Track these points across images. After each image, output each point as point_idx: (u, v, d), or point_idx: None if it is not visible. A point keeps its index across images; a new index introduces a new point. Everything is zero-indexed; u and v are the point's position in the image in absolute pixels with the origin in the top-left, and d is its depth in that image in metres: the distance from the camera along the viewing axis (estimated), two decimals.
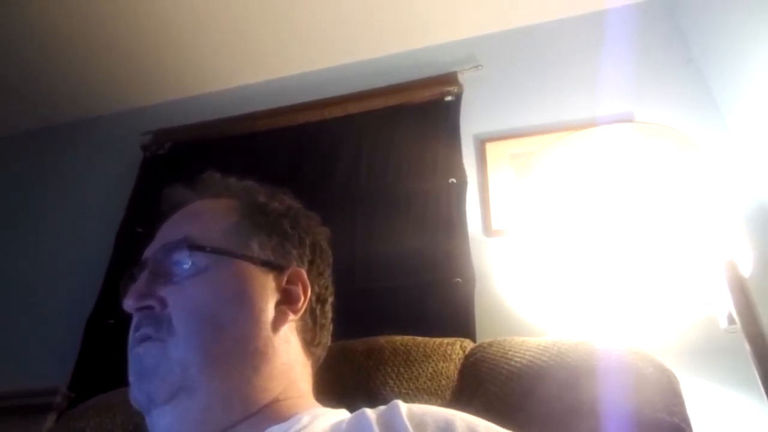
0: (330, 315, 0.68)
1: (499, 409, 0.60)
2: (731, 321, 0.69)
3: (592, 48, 1.35)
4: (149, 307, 0.56)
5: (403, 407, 0.49)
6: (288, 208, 0.68)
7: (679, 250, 0.73)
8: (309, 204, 0.72)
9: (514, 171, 1.21)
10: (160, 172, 1.52)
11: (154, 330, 0.54)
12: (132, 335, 0.57)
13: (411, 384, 0.67)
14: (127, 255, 1.35)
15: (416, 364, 0.69)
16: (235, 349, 0.55)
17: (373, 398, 0.65)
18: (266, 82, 1.68)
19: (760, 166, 1.04)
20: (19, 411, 1.17)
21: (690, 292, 0.76)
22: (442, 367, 0.69)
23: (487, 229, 1.17)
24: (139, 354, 0.55)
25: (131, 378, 0.55)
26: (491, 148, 1.28)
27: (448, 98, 1.36)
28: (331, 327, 0.69)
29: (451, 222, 1.15)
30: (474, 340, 0.86)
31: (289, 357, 0.59)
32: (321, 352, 0.66)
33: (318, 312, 0.65)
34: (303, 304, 0.62)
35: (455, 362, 0.70)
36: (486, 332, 0.97)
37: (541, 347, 0.65)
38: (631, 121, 1.16)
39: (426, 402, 0.64)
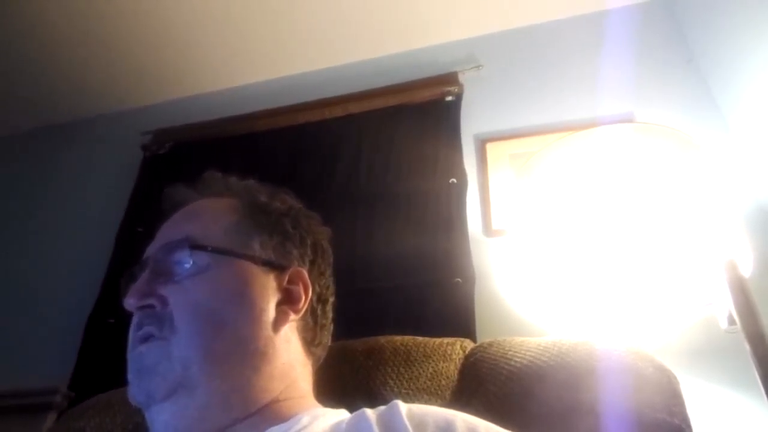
0: (331, 315, 0.68)
1: (499, 409, 0.60)
2: (731, 321, 0.69)
3: (592, 48, 1.35)
4: (150, 306, 0.56)
5: (403, 407, 0.49)
6: (289, 208, 0.68)
7: (679, 250, 0.73)
8: (309, 204, 0.72)
9: (514, 171, 1.21)
10: (160, 171, 1.52)
11: (156, 328, 0.54)
12: (133, 334, 0.56)
13: (411, 384, 0.67)
14: (127, 255, 1.35)
15: (416, 364, 0.69)
16: (236, 349, 0.55)
17: (373, 398, 0.65)
18: (266, 82, 1.68)
19: (760, 166, 1.04)
20: (19, 411, 1.17)
21: (690, 292, 0.76)
22: (442, 367, 0.69)
23: (487, 229, 1.17)
24: (141, 353, 0.55)
25: (130, 376, 0.55)
26: (491, 148, 1.28)
27: (449, 98, 1.36)
28: (332, 327, 0.69)
29: (451, 222, 1.15)
30: (474, 340, 0.86)
31: (289, 357, 0.59)
32: (321, 352, 0.66)
33: (319, 312, 0.65)
34: (304, 304, 0.62)
35: (455, 362, 0.70)
36: (486, 332, 0.97)
37: (541, 347, 0.65)
38: (631, 121, 1.16)
39: (426, 402, 0.64)
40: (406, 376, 0.68)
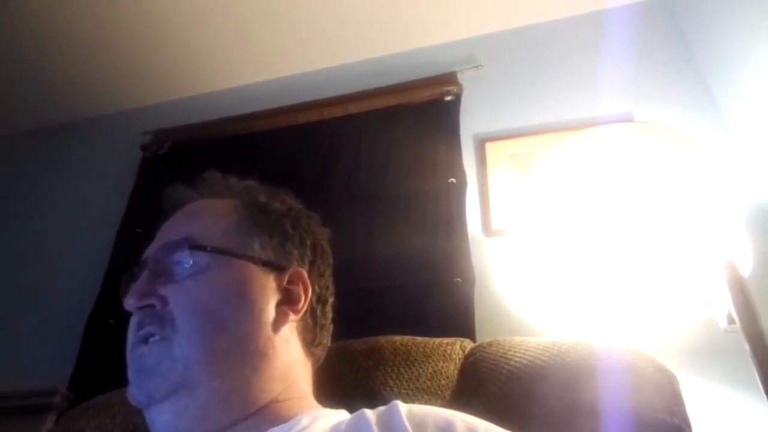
0: (330, 315, 0.68)
1: (499, 409, 0.60)
2: (731, 321, 0.69)
3: (591, 48, 1.35)
4: (151, 306, 0.56)
5: (403, 408, 0.49)
6: (289, 209, 0.68)
7: (678, 250, 0.73)
8: (308, 204, 0.72)
9: (513, 171, 1.21)
10: (159, 172, 1.52)
11: (158, 328, 0.54)
12: (134, 334, 0.56)
13: (411, 384, 0.67)
14: (127, 255, 1.35)
15: (416, 364, 0.69)
16: (236, 349, 0.55)
17: (373, 398, 0.65)
18: (266, 82, 1.68)
19: (759, 166, 1.04)
20: (19, 411, 1.17)
21: (690, 292, 0.76)
22: (442, 367, 0.69)
23: (486, 229, 1.17)
24: (142, 353, 0.55)
25: (130, 376, 0.55)
26: (491, 148, 1.28)
27: (448, 98, 1.36)
28: (331, 327, 0.69)
29: (450, 222, 1.15)
30: (474, 340, 0.86)
31: (289, 357, 0.59)
32: (321, 353, 0.66)
33: (318, 312, 0.65)
34: (304, 304, 0.62)
35: (455, 362, 0.70)
36: (486, 332, 0.97)
37: (541, 347, 0.65)
38: (630, 120, 1.16)
39: (426, 402, 0.64)
40: (406, 376, 0.68)
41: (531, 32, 1.47)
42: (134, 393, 0.54)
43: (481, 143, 1.30)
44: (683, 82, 1.23)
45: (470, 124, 1.33)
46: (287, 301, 0.61)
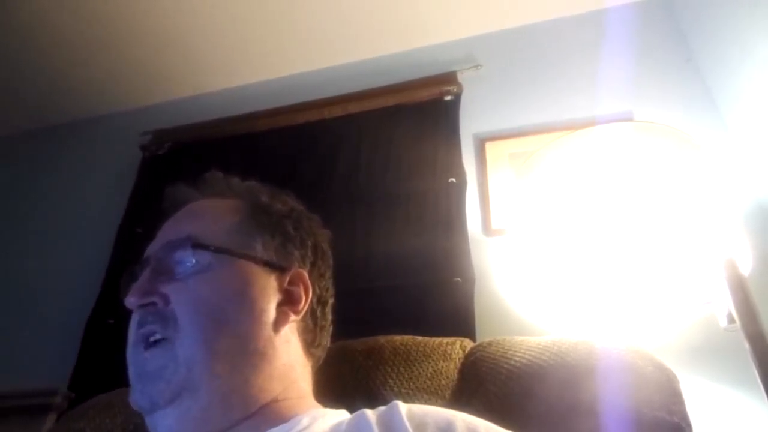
0: (330, 317, 0.69)
1: (499, 408, 0.60)
2: (731, 320, 0.69)
3: (591, 47, 1.35)
4: (152, 304, 0.56)
5: (403, 408, 0.49)
6: (291, 210, 0.68)
7: (678, 249, 0.73)
8: (309, 204, 0.72)
9: (513, 170, 1.21)
10: (159, 172, 1.52)
11: (160, 327, 0.54)
12: (135, 332, 0.56)
13: (411, 384, 0.67)
14: (127, 255, 1.35)
15: (416, 364, 0.69)
16: (237, 348, 0.55)
17: (373, 398, 0.65)
18: (266, 82, 1.68)
19: (759, 165, 1.04)
20: (19, 411, 1.17)
21: (690, 291, 0.76)
22: (442, 367, 0.69)
23: (486, 228, 1.17)
24: (145, 359, 0.54)
25: (132, 379, 0.55)
26: (491, 148, 1.28)
27: (448, 98, 1.36)
28: (331, 328, 0.69)
29: (450, 222, 1.15)
30: (474, 339, 0.86)
31: (289, 357, 0.59)
32: (321, 353, 0.66)
33: (319, 313, 0.65)
34: (304, 305, 0.62)
35: (455, 362, 0.70)
36: (486, 332, 0.97)
37: (541, 347, 0.65)
38: (630, 120, 1.16)
39: (426, 402, 0.64)
40: (406, 376, 0.68)
41: (530, 32, 1.47)
42: (137, 398, 0.54)
43: (481, 143, 1.30)
44: (683, 82, 1.23)
45: (470, 123, 1.33)
46: (288, 301, 0.61)
